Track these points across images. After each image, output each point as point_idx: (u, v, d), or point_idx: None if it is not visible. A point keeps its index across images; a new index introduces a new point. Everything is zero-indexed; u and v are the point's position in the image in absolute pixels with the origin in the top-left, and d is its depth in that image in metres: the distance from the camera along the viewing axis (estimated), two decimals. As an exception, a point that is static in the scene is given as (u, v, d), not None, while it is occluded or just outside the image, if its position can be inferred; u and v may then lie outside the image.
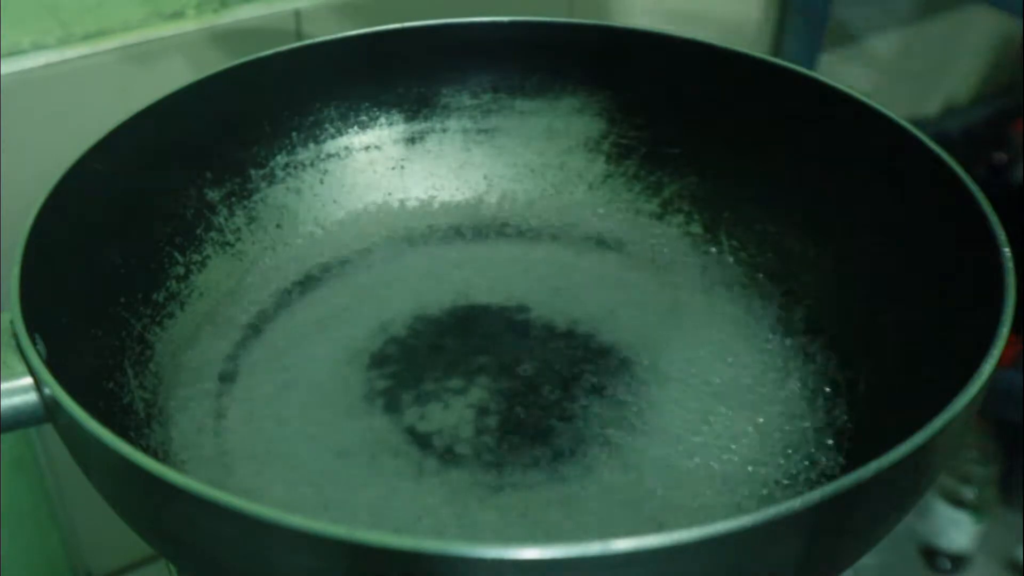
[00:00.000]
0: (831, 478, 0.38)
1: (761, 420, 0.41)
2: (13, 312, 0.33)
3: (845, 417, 0.40)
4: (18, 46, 0.49)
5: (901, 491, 0.31)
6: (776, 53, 0.84)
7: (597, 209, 0.52)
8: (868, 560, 0.33)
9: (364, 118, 0.52)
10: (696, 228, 0.50)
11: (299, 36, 0.55)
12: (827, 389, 0.42)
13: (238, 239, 0.48)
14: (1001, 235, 0.36)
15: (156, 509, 0.30)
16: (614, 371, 0.42)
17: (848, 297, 0.44)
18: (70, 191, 0.38)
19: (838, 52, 0.92)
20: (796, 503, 0.26)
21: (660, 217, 0.51)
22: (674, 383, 0.42)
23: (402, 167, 0.52)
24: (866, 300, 0.43)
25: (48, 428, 0.33)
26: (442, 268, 0.48)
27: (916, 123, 0.42)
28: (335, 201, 0.51)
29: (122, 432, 0.37)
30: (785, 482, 0.38)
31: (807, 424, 0.40)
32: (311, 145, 0.51)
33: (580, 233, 0.51)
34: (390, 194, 0.52)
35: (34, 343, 0.32)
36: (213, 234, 0.47)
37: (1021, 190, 1.01)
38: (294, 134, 0.50)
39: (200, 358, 0.43)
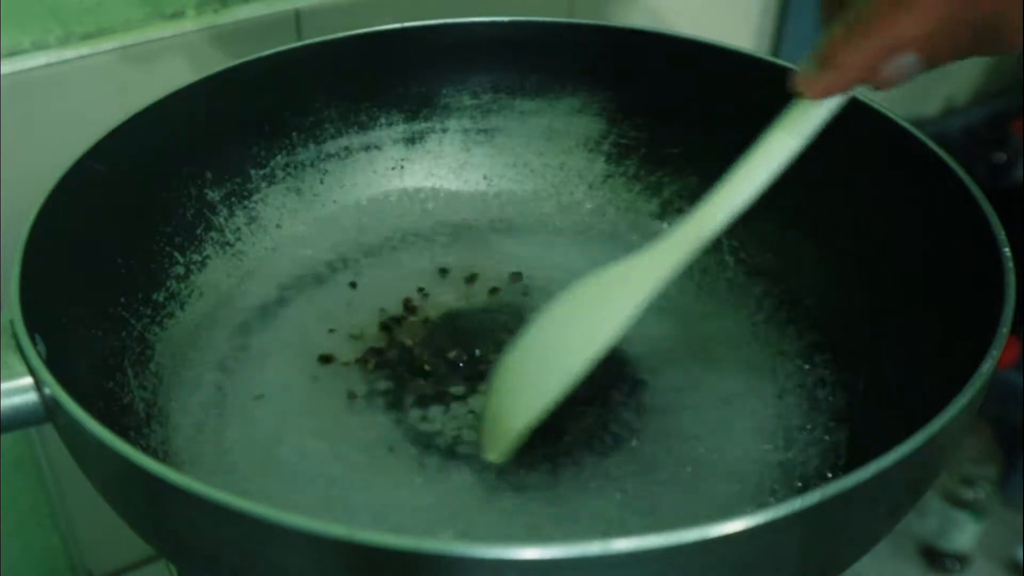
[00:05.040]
0: (831, 478, 0.38)
1: (761, 420, 0.41)
2: (13, 312, 0.33)
3: (845, 417, 0.40)
4: (18, 46, 0.49)
5: (901, 491, 0.31)
6: (776, 53, 0.84)
7: (597, 209, 0.52)
8: (868, 560, 0.33)
9: (364, 118, 0.52)
10: (696, 228, 0.50)
11: (299, 36, 0.55)
12: (827, 389, 0.42)
13: (238, 239, 0.48)
14: (1001, 235, 0.36)
15: (156, 509, 0.30)
16: (615, 372, 0.42)
17: (848, 297, 0.44)
18: (70, 191, 0.38)
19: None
20: (796, 503, 0.26)
21: (660, 217, 0.51)
22: (674, 385, 0.42)
23: (402, 167, 0.52)
24: (866, 300, 0.43)
25: (48, 428, 0.33)
26: (443, 268, 0.48)
27: (916, 123, 0.41)
28: (335, 201, 0.51)
29: (122, 432, 0.37)
30: (785, 482, 0.38)
31: (807, 424, 0.40)
32: (311, 145, 0.51)
33: (580, 234, 0.51)
34: (390, 194, 0.52)
35: (34, 343, 0.32)
36: (213, 234, 0.47)
37: (1021, 190, 1.01)
38: (294, 134, 0.50)
39: (200, 358, 0.43)
